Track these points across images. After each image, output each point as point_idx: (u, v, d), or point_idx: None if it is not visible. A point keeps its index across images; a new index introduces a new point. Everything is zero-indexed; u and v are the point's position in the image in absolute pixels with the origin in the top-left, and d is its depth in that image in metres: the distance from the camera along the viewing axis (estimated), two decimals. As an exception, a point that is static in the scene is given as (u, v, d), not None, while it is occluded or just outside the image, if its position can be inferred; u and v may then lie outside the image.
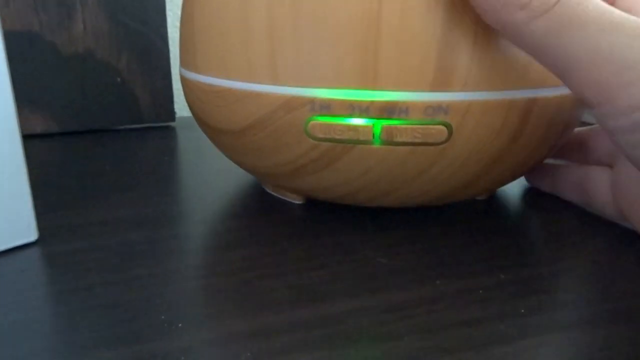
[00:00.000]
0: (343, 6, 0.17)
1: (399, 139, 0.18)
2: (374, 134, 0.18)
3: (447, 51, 0.17)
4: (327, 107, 0.18)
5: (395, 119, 0.17)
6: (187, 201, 0.25)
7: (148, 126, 0.39)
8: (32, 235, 0.20)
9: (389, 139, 0.18)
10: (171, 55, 0.39)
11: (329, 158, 0.19)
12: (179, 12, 0.45)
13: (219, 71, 0.20)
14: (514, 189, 0.26)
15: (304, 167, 0.20)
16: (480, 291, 0.17)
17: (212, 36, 0.20)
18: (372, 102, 0.17)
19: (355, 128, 0.18)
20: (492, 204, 0.24)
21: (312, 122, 0.18)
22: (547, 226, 0.22)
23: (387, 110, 0.17)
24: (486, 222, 0.22)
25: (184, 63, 0.22)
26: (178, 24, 0.45)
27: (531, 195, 0.26)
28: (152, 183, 0.27)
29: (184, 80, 0.23)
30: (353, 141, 0.18)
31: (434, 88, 0.17)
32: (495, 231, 0.21)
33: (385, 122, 0.17)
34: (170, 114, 0.39)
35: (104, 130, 0.37)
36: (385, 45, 0.17)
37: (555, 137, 0.20)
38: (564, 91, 0.19)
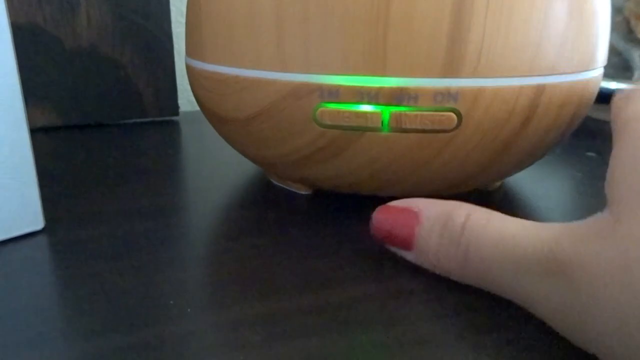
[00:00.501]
0: (352, -8, 0.17)
1: (407, 126, 0.17)
2: (382, 121, 0.17)
3: (457, 37, 0.17)
4: (335, 94, 0.17)
5: (404, 106, 0.17)
6: (192, 193, 0.25)
7: (152, 120, 0.38)
8: (39, 223, 0.19)
9: (397, 126, 0.17)
10: (175, 50, 0.38)
11: (337, 146, 0.19)
12: (183, 7, 0.45)
13: (226, 59, 0.19)
14: (524, 179, 0.26)
15: (312, 156, 0.19)
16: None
17: (218, 24, 0.19)
18: (380, 89, 0.17)
19: (363, 115, 0.17)
20: (502, 194, 0.24)
21: (320, 109, 0.18)
22: (557, 217, 0.22)
23: (396, 96, 0.17)
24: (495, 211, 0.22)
25: (190, 52, 0.22)
26: (181, 18, 0.45)
27: (541, 185, 0.26)
28: (157, 175, 0.27)
29: (189, 70, 0.23)
30: (361, 128, 0.18)
31: (443, 74, 0.17)
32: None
33: (394, 109, 0.17)
34: (174, 108, 0.39)
35: (108, 125, 0.37)
36: (394, 31, 0.17)
37: (565, 124, 0.20)
38: (573, 78, 0.19)
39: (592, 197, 0.24)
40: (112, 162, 0.29)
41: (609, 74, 0.39)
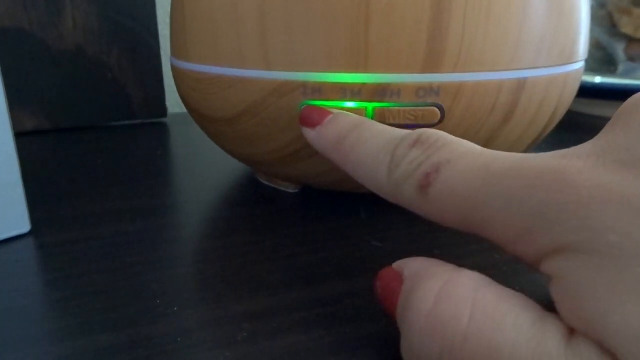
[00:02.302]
0: (333, -10, 0.17)
1: (391, 122, 0.18)
2: (366, 117, 0.18)
3: (437, 33, 0.17)
4: (319, 91, 0.18)
5: (387, 102, 0.17)
6: (180, 193, 0.25)
7: (140, 122, 0.38)
8: (25, 226, 0.19)
9: (381, 122, 0.18)
10: (162, 51, 0.38)
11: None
12: (169, 9, 0.45)
13: (210, 58, 0.20)
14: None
15: (298, 153, 0.20)
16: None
17: (202, 24, 0.20)
18: (363, 85, 0.17)
19: (347, 111, 0.18)
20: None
21: (304, 106, 0.18)
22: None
23: (379, 92, 0.17)
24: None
25: (175, 53, 0.22)
26: (168, 19, 0.45)
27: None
28: (145, 177, 0.27)
29: (175, 70, 0.23)
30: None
31: (425, 70, 0.17)
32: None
33: (377, 105, 0.17)
34: (162, 110, 0.39)
35: (96, 127, 0.37)
36: (375, 27, 0.17)
37: (546, 118, 0.20)
38: (553, 71, 0.19)
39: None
40: (100, 164, 0.29)
41: (593, 67, 0.39)
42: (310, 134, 0.17)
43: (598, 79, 0.36)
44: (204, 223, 0.21)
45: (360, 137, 0.15)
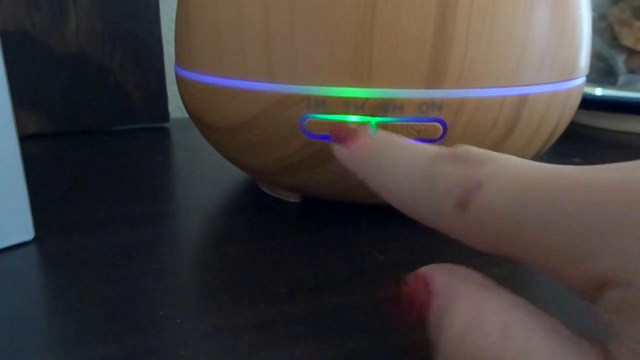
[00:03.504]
0: (337, 3, 0.17)
1: (393, 136, 0.18)
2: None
3: (440, 49, 0.17)
4: (322, 105, 0.18)
5: (390, 116, 0.18)
6: (182, 199, 0.25)
7: (142, 127, 0.39)
8: (28, 233, 0.20)
9: (383, 136, 0.18)
10: (165, 55, 0.39)
11: (325, 155, 0.19)
12: (173, 13, 0.45)
13: (214, 69, 0.20)
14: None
15: (300, 164, 0.20)
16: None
17: (206, 34, 0.20)
18: (367, 100, 0.17)
19: (350, 125, 0.18)
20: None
21: (307, 120, 0.18)
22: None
23: (382, 107, 0.17)
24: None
25: (179, 61, 0.22)
26: (171, 24, 0.45)
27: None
28: (147, 182, 0.27)
29: (179, 79, 0.23)
30: (348, 138, 0.18)
31: (428, 85, 0.17)
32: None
33: (380, 120, 0.18)
34: (164, 115, 0.39)
35: (98, 131, 0.37)
36: (379, 42, 0.17)
37: (548, 133, 0.20)
38: (555, 88, 0.19)
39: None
40: (102, 170, 0.29)
41: (594, 79, 0.39)
42: (341, 151, 0.16)
43: (599, 91, 0.36)
44: (205, 231, 0.21)
45: (395, 155, 0.14)
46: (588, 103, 0.35)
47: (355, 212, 0.23)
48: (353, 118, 0.18)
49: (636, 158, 0.11)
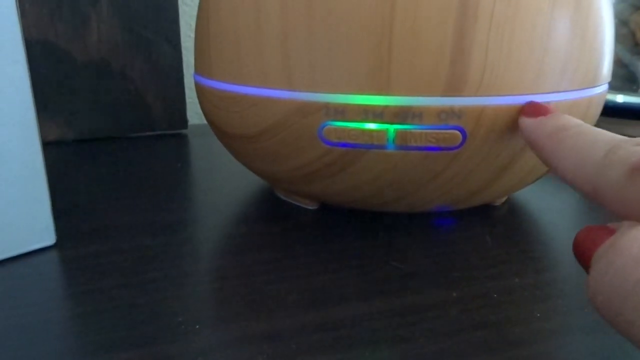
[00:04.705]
0: (356, 11, 0.17)
1: (413, 144, 0.18)
2: (388, 139, 0.18)
3: (460, 56, 0.17)
4: (341, 112, 0.18)
5: (409, 124, 0.17)
6: (200, 207, 0.25)
7: (161, 134, 0.39)
8: (50, 239, 0.20)
9: (403, 144, 0.18)
10: (184, 63, 0.39)
11: (343, 162, 0.19)
12: (192, 22, 0.46)
13: (233, 77, 0.20)
14: (530, 194, 0.26)
15: (318, 172, 0.20)
16: (495, 295, 0.17)
17: (226, 42, 0.20)
18: (385, 107, 0.17)
19: (369, 133, 0.18)
20: (508, 209, 0.24)
21: (326, 127, 0.18)
22: (562, 231, 0.22)
23: (401, 115, 0.17)
24: (501, 227, 0.22)
25: (198, 69, 0.23)
26: (190, 33, 0.46)
27: (546, 200, 0.26)
28: (166, 189, 0.27)
29: (198, 87, 0.23)
30: (367, 146, 0.18)
31: (447, 93, 0.17)
32: (511, 236, 0.21)
33: (399, 127, 0.18)
34: (183, 122, 0.39)
35: (118, 138, 0.38)
36: (398, 50, 0.17)
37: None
38: (576, 95, 0.19)
39: (595, 212, 0.24)
40: (121, 176, 0.29)
41: (615, 85, 0.39)
42: (527, 122, 0.17)
43: (620, 98, 0.36)
44: (222, 239, 0.21)
45: (581, 130, 0.15)
46: (610, 110, 0.34)
47: (372, 220, 0.23)
48: (372, 125, 0.18)
49: None
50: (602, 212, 0.24)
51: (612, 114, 0.35)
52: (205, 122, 0.27)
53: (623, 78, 0.38)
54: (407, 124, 0.17)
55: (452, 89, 0.17)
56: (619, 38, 0.38)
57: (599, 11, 0.19)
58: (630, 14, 0.37)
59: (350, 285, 0.18)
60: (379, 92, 0.17)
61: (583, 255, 0.12)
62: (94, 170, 0.31)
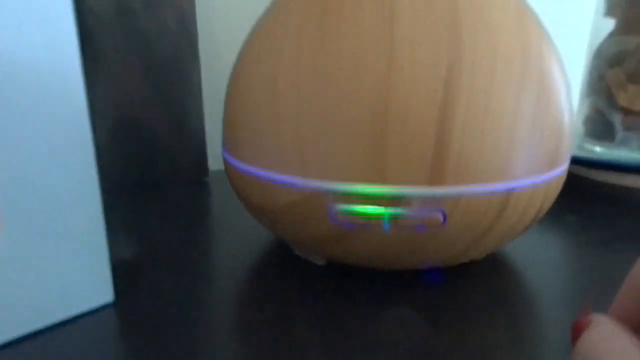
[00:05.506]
0: (357, 120, 0.21)
1: (403, 224, 0.22)
2: (384, 220, 0.22)
3: (440, 155, 0.21)
4: (346, 198, 0.22)
5: (401, 207, 0.22)
6: (217, 258, 0.29)
7: (183, 182, 0.43)
8: (109, 295, 0.24)
9: (396, 223, 0.22)
10: (205, 114, 0.43)
11: (348, 235, 0.23)
12: (214, 80, 0.50)
13: (254, 161, 0.24)
14: (511, 247, 0.30)
15: (327, 240, 0.24)
16: (498, 350, 0.21)
17: (248, 132, 0.24)
18: (382, 196, 0.22)
19: (369, 215, 0.22)
20: (489, 263, 0.29)
21: (334, 209, 0.22)
22: (544, 285, 0.27)
23: (394, 201, 0.22)
24: (485, 279, 0.27)
25: (225, 145, 0.27)
26: (211, 93, 0.50)
27: (530, 252, 0.30)
28: (187, 238, 0.31)
29: (225, 159, 0.27)
30: (367, 225, 0.22)
31: (430, 184, 0.21)
32: (495, 286, 0.26)
33: (392, 211, 0.22)
34: (204, 170, 0.44)
35: (143, 186, 0.42)
36: (391, 150, 0.21)
37: (534, 213, 0.24)
38: (538, 180, 0.23)
39: (576, 263, 0.28)
40: (143, 226, 0.34)
41: (594, 133, 0.43)
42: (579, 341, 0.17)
43: (598, 150, 0.40)
44: (239, 291, 0.26)
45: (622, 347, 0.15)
46: (587, 162, 0.38)
47: (378, 275, 0.27)
48: (370, 208, 0.22)
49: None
50: (583, 263, 0.28)
51: (590, 165, 0.39)
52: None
53: (602, 125, 0.43)
54: (399, 207, 0.22)
55: (435, 181, 0.21)
56: (596, 91, 0.42)
57: (558, 103, 0.24)
58: (605, 70, 0.41)
59: (360, 343, 0.22)
60: (377, 183, 0.22)
61: (573, 342, 0.16)
62: (121, 217, 0.35)
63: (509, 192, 0.22)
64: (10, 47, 0.19)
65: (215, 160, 0.49)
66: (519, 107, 0.22)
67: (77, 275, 0.22)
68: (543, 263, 0.29)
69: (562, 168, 0.25)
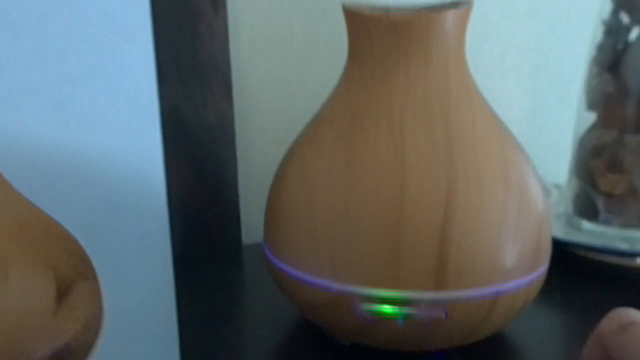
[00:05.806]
0: (373, 237, 0.27)
1: (415, 320, 0.28)
2: (399, 317, 0.28)
3: (442, 268, 0.27)
4: (367, 299, 0.28)
5: (412, 307, 0.28)
6: (249, 330, 0.35)
7: (217, 254, 0.49)
8: (176, 375, 0.30)
9: (408, 319, 0.28)
10: (239, 189, 0.49)
11: (369, 328, 0.29)
12: (251, 159, 0.54)
13: (289, 262, 0.30)
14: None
15: (350, 330, 0.30)
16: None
17: (288, 235, 0.30)
18: (396, 298, 0.27)
19: (386, 313, 0.28)
20: (489, 341, 0.34)
21: (359, 307, 0.28)
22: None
23: (406, 303, 0.27)
24: (485, 355, 0.32)
25: (265, 240, 0.33)
26: (245, 170, 0.54)
27: (523, 330, 0.35)
28: (218, 312, 0.37)
29: (264, 253, 0.33)
30: (385, 320, 0.28)
31: (435, 289, 0.27)
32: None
33: (405, 310, 0.28)
34: (239, 246, 0.49)
35: (186, 259, 0.48)
36: (403, 263, 0.27)
37: (520, 305, 0.30)
38: (521, 281, 0.29)
39: (567, 337, 0.33)
40: (186, 300, 0.39)
41: (580, 211, 0.49)
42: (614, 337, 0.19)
43: (585, 224, 0.46)
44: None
45: None
46: (574, 245, 0.44)
47: (396, 355, 0.32)
48: (387, 308, 0.28)
49: (621, 291, 0.19)
50: (578, 337, 0.33)
51: (577, 247, 0.44)
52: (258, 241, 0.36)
53: (588, 205, 0.48)
54: (410, 307, 0.28)
55: (439, 286, 0.27)
56: (581, 174, 0.48)
57: (536, 210, 0.29)
58: (588, 158, 0.47)
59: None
60: (392, 287, 0.27)
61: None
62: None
63: (498, 292, 0.28)
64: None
65: (245, 235, 0.54)
66: (504, 218, 0.28)
67: None
68: (539, 337, 0.34)
69: (542, 267, 0.31)
